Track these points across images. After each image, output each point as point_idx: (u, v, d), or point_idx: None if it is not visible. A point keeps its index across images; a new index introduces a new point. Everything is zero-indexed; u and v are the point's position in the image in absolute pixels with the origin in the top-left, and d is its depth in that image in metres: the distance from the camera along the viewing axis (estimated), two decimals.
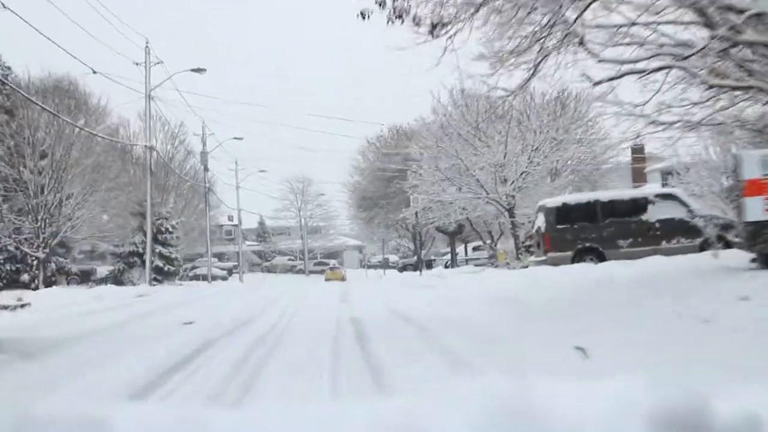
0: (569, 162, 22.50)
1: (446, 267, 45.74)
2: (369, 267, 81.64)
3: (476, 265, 38.72)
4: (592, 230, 16.40)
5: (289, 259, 75.81)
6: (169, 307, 14.91)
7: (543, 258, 16.46)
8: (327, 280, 51.14)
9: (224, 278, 60.86)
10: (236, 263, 76.34)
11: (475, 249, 46.51)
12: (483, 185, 20.24)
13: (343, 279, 44.01)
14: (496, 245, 30.68)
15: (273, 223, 77.77)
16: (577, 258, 16.20)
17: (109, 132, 37.14)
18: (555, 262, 15.87)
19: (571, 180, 22.28)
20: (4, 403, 1.81)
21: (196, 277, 60.14)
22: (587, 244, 16.30)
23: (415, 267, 49.70)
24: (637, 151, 41.48)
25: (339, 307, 13.26)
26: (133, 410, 1.91)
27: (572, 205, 16.70)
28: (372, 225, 48.23)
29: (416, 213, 22.54)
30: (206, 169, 45.18)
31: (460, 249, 47.34)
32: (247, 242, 79.41)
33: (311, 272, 70.38)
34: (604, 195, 17.32)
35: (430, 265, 48.40)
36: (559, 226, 16.56)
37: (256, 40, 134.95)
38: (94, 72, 22.57)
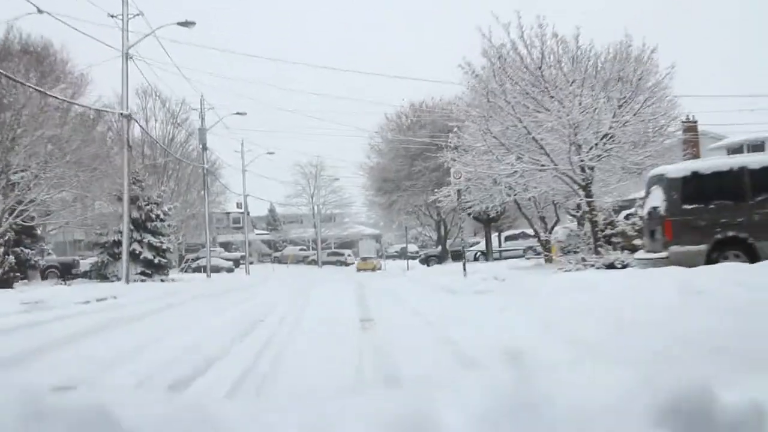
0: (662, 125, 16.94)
1: (476, 259, 40.34)
2: (387, 257, 76.49)
3: (527, 258, 33.24)
4: (738, 212, 10.99)
5: (301, 249, 70.74)
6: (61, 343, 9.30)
7: (662, 254, 11.06)
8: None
9: (230, 270, 56.00)
10: (244, 253, 71.44)
11: (508, 239, 41.00)
12: (549, 153, 14.83)
13: (375, 269, 38.53)
14: (550, 233, 25.21)
15: (284, 210, 72.66)
16: (716, 253, 10.81)
17: (90, 105, 32.09)
18: (681, 260, 10.49)
19: (659, 150, 16.75)
20: (12, 393, 2.02)
21: (200, 269, 55.27)
22: (730, 233, 10.89)
23: (440, 258, 44.36)
24: (690, 129, 35.94)
25: (361, 345, 7.81)
26: (137, 400, 2.18)
27: (707, 175, 11.25)
28: (392, 211, 42.87)
29: (458, 191, 16.95)
30: (204, 148, 40.02)
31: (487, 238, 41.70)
32: (256, 231, 74.43)
33: (324, 263, 65.24)
34: (755, 160, 11.80)
35: (458, 256, 42.97)
36: (686, 206, 11.17)
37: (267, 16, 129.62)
38: (40, 11, 17.34)
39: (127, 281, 23.90)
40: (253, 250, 72.58)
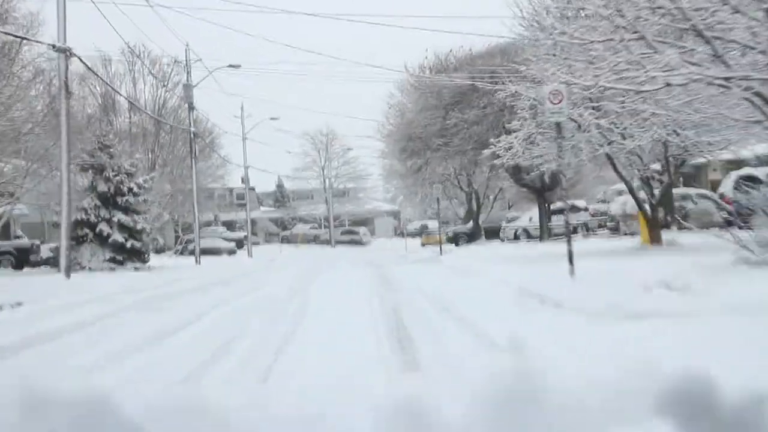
0: None
1: (516, 237, 33.83)
2: (405, 235, 70.08)
3: (584, 235, 26.65)
4: None
5: (312, 227, 64.51)
6: None
7: None
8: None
9: (231, 252, 49.86)
10: (247, 232, 65.23)
11: (555, 213, 34.38)
12: (721, 55, 8.17)
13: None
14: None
15: (293, 185, 66.35)
16: None
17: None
18: None
19: None
20: (12, 381, 2.05)
21: (201, 252, 49.18)
22: None
23: (470, 236, 37.91)
24: None
25: None
26: (135, 390, 2.18)
27: None
28: (417, 180, 36.25)
29: (557, 127, 9.97)
30: (191, 108, 33.59)
31: (526, 213, 35.24)
32: (263, 208, 68.28)
33: (338, 242, 59.02)
34: None
35: (492, 233, 36.55)
36: None
37: None
38: None
39: (68, 274, 17.66)
40: (259, 229, 66.47)
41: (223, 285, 17.45)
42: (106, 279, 18.77)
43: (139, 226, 26.56)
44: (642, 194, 17.63)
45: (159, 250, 49.73)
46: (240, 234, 58.71)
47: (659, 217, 17.23)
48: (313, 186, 64.85)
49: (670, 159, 16.49)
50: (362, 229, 61.40)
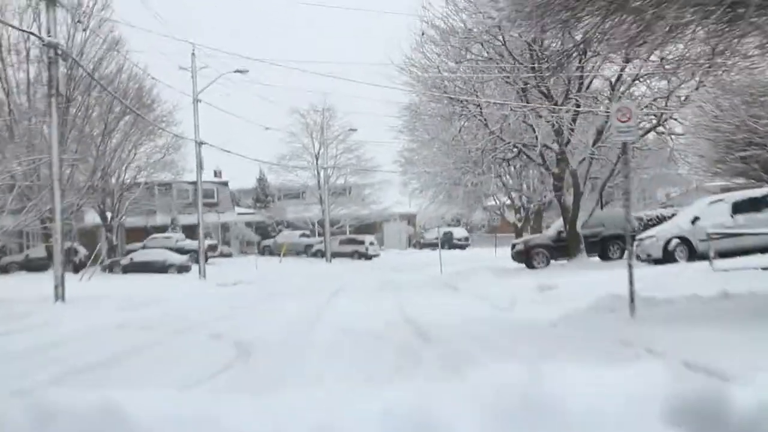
0: None
1: (668, 255, 18.31)
2: (422, 246, 54.70)
3: None
4: None
5: (303, 235, 49.17)
6: None
7: None
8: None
9: (183, 269, 34.74)
10: (219, 240, 49.79)
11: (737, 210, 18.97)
12: None
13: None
14: None
15: (278, 180, 51.02)
16: None
17: None
18: None
19: None
20: (21, 392, 2.17)
21: (140, 268, 34.03)
22: None
23: (555, 251, 22.71)
24: None
25: None
26: (146, 399, 2.13)
27: None
28: (461, 159, 21.10)
29: None
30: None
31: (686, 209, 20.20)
32: (239, 209, 52.95)
33: (335, 255, 43.83)
34: None
35: (597, 246, 21.42)
36: None
37: None
38: None
39: None
40: (232, 236, 51.10)
41: None
42: None
43: None
44: None
45: (78, 266, 34.41)
46: (208, 242, 43.33)
47: None
48: (304, 181, 49.62)
49: None
50: (368, 238, 46.11)
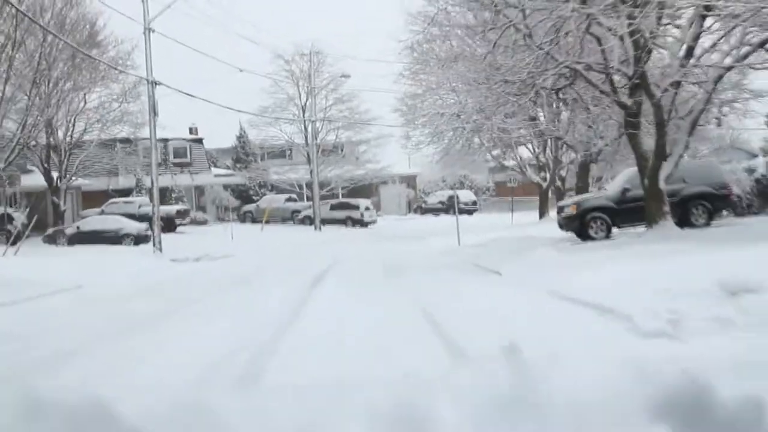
0: None
1: None
2: (424, 211, 48.79)
3: None
4: None
5: (289, 199, 43.08)
6: None
7: None
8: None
9: (141, 238, 28.79)
10: (193, 205, 43.61)
11: None
12: None
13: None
14: None
15: (260, 136, 44.73)
16: None
17: None
18: None
19: None
20: (11, 386, 2.00)
21: (89, 239, 28.08)
22: None
23: (623, 215, 16.89)
24: None
25: None
26: (134, 394, 2.12)
27: None
28: (483, 87, 15.06)
29: None
30: None
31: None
32: (216, 170, 46.85)
33: (325, 222, 37.85)
34: None
35: (687, 216, 15.64)
36: None
37: None
38: None
39: None
40: (208, 200, 45.00)
41: None
42: None
43: None
44: None
45: (18, 237, 28.29)
46: (172, 207, 37.24)
47: None
48: (289, 137, 43.40)
49: None
50: (363, 202, 40.07)
